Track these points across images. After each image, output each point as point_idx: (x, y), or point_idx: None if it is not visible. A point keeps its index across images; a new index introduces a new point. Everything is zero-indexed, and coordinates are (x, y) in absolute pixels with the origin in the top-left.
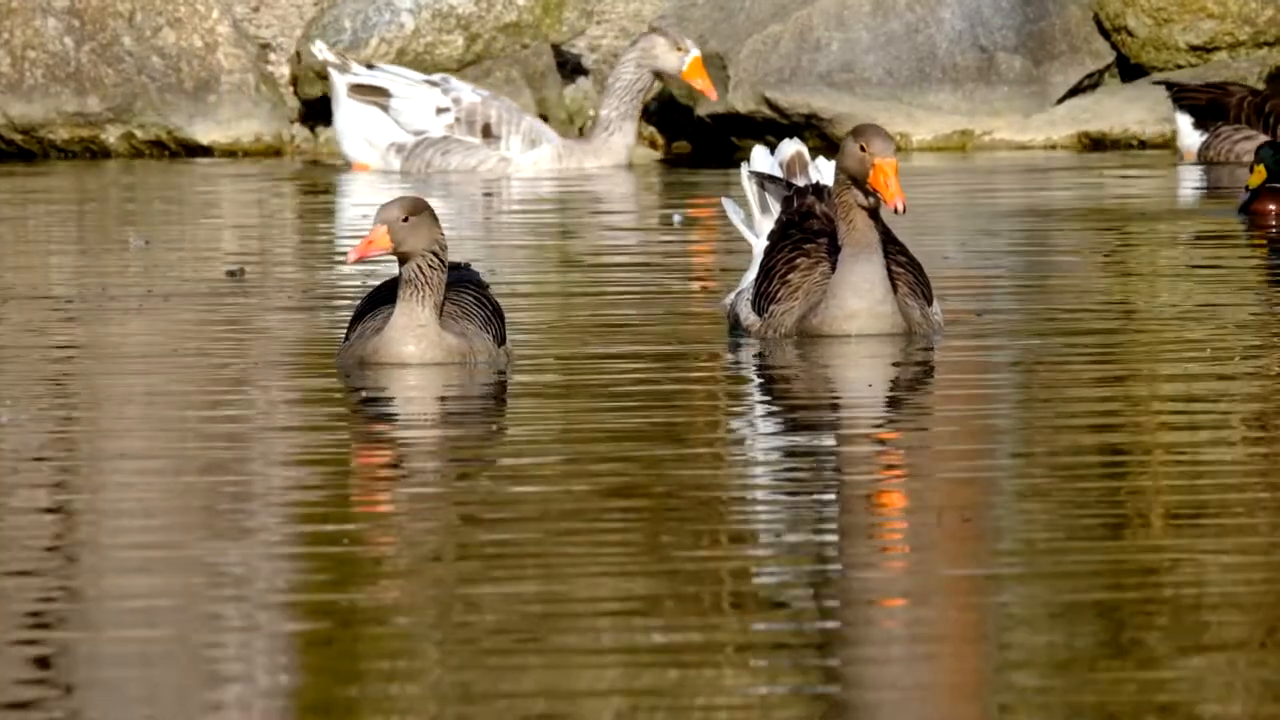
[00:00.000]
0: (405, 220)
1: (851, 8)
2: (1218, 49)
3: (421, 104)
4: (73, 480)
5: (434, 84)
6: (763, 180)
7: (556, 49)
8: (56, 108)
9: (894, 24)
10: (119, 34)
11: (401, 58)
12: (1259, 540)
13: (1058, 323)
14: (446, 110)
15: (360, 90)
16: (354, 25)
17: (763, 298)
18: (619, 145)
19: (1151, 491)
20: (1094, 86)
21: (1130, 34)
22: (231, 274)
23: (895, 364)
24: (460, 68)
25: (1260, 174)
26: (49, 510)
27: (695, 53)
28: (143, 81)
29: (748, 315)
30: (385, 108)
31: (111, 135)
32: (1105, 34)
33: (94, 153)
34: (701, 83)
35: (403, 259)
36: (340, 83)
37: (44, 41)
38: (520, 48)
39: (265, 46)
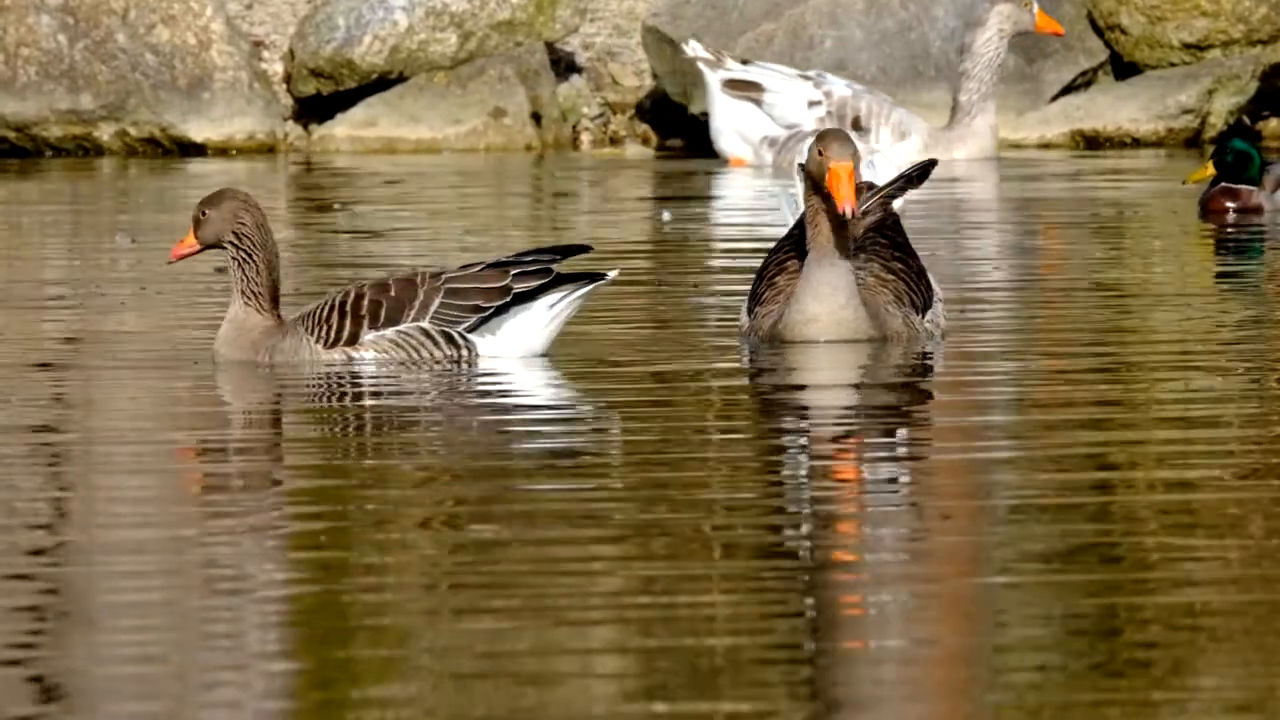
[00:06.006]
0: (203, 214)
1: (845, 5)
2: (1211, 47)
3: (794, 98)
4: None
5: (807, 78)
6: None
7: (550, 47)
8: (50, 105)
9: (887, 21)
10: (113, 31)
11: (395, 55)
12: (1254, 543)
13: (1046, 323)
14: (818, 103)
15: (734, 85)
16: (347, 23)
17: (753, 299)
18: (984, 128)
19: (1141, 505)
20: (1087, 84)
21: (1124, 32)
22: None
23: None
24: (453, 65)
25: (1206, 170)
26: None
27: (1037, 4)
28: (136, 79)
29: (742, 317)
30: (759, 102)
31: (105, 133)
32: (1099, 32)
33: (87, 150)
34: (1052, 27)
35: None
36: (713, 79)
37: (37, 39)
38: (514, 45)
39: (259, 44)
